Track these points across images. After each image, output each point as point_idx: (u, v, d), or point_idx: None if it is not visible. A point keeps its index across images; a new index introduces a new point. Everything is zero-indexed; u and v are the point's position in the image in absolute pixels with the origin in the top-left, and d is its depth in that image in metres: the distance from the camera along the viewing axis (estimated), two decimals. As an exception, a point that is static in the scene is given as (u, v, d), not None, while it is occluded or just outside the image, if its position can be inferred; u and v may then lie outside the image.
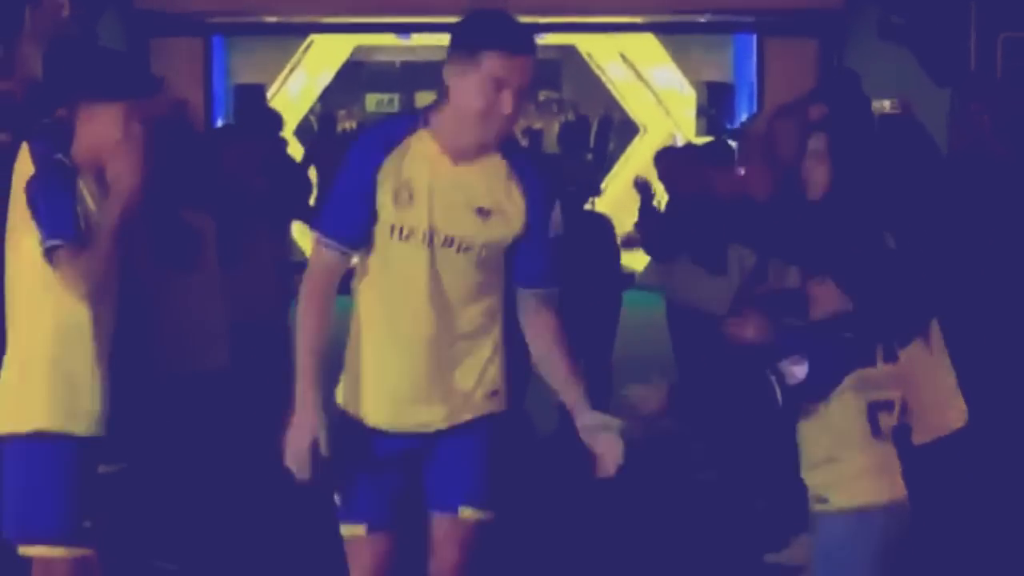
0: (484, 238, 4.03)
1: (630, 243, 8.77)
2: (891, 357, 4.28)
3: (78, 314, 4.72)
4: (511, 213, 4.04)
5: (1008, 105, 10.39)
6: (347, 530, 4.17)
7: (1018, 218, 7.74)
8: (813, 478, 4.23)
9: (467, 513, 4.15)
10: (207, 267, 6.70)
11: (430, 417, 4.09)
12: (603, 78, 20.49)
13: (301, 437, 3.94)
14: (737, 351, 4.79)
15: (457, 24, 3.99)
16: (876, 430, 4.18)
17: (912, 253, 4.69)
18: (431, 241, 4.00)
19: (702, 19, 15.63)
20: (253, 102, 14.64)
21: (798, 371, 4.09)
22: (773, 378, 4.10)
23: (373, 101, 29.37)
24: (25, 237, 4.71)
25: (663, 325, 8.62)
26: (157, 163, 5.17)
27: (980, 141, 8.72)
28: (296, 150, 14.20)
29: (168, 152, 6.23)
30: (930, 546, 4.70)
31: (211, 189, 6.78)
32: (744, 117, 15.52)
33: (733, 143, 9.37)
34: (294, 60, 17.76)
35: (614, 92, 20.87)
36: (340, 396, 4.21)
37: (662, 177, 8.39)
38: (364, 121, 27.68)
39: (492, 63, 3.84)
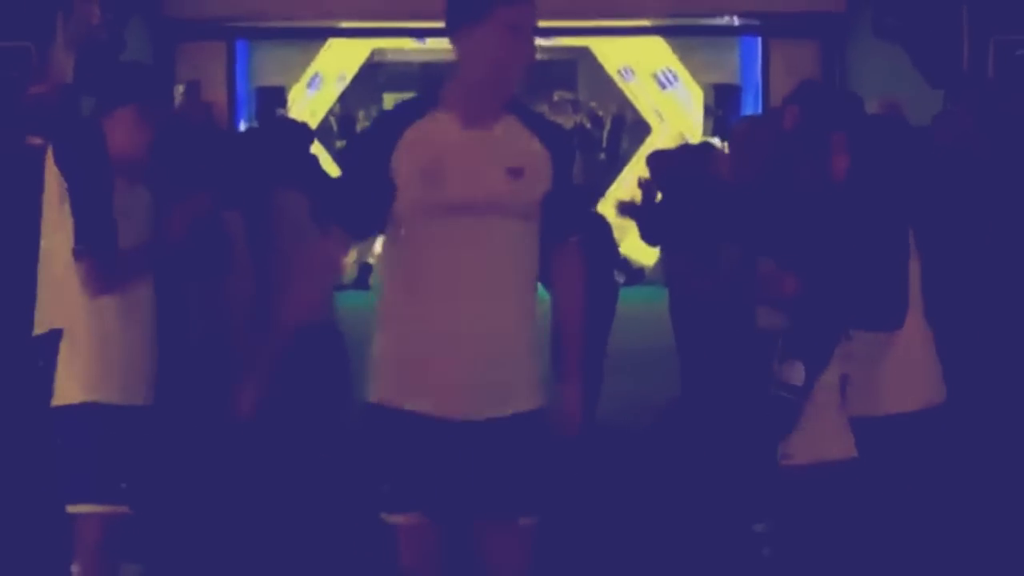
0: (521, 198, 4.01)
1: (624, 210, 9.14)
2: (847, 336, 4.75)
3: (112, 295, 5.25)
4: (540, 167, 4.03)
5: (993, 107, 10.73)
6: (398, 519, 4.09)
7: (996, 217, 8.11)
8: (793, 440, 4.69)
9: (525, 522, 4.10)
10: (240, 266, 7.02)
11: (476, 404, 4.01)
12: (616, 79, 20.74)
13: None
14: (735, 340, 5.21)
15: None
16: (844, 399, 4.66)
17: (890, 245, 5.08)
18: (470, 211, 3.95)
19: (714, 22, 15.98)
20: (275, 107, 15.01)
21: (796, 374, 4.56)
22: (783, 394, 4.58)
23: (391, 101, 29.67)
24: (58, 231, 5.26)
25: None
26: (189, 164, 5.70)
27: (962, 142, 9.09)
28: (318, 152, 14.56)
29: (199, 153, 6.68)
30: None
31: (242, 190, 7.13)
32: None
33: (721, 143, 9.77)
34: (314, 63, 18.00)
35: (627, 93, 21.13)
36: (376, 392, 4.12)
37: (653, 176, 8.83)
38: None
39: (506, 12, 3.89)
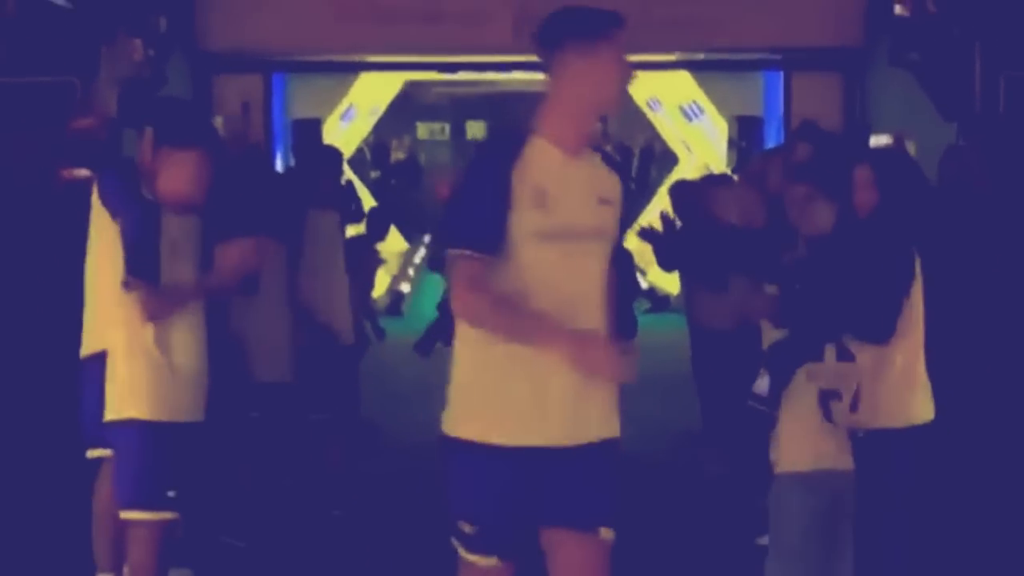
0: (609, 226, 4.11)
1: (643, 235, 9.37)
2: (845, 356, 5.10)
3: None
4: (617, 199, 4.15)
5: (1000, 141, 11.04)
6: (478, 560, 4.11)
7: (995, 250, 8.41)
8: (773, 449, 5.08)
9: (606, 534, 4.13)
10: (275, 288, 7.47)
11: (560, 432, 4.04)
12: (645, 111, 21.01)
13: (596, 346, 3.97)
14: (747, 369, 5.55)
15: (561, 21, 4.04)
16: (827, 413, 5.01)
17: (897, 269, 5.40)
18: (574, 237, 4.01)
19: (738, 56, 16.18)
20: (312, 137, 15.32)
21: (763, 385, 4.95)
22: (752, 403, 4.97)
23: (425, 130, 30.00)
24: (103, 260, 5.67)
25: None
26: (232, 194, 6.11)
27: (967, 175, 9.42)
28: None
29: (243, 185, 7.09)
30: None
31: (284, 220, 7.47)
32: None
33: (736, 176, 10.08)
34: (348, 95, 18.27)
35: (655, 124, 21.43)
36: (458, 427, 4.12)
37: (674, 207, 9.21)
38: (416, 149, 28.33)
39: (618, 37, 4.00)
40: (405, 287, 19.05)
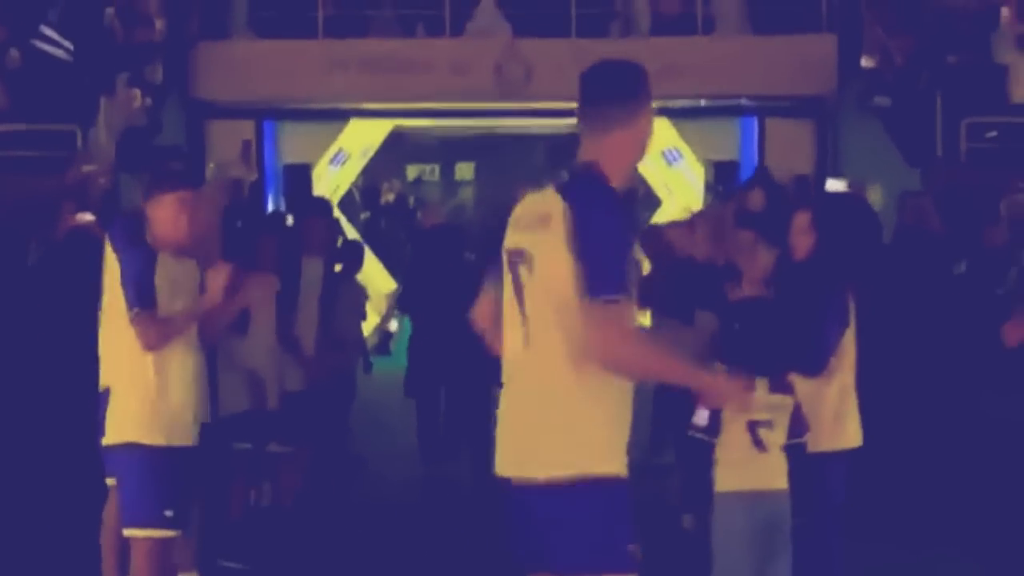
0: None
1: None
2: (779, 389, 5.60)
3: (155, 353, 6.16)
4: None
5: (961, 187, 11.57)
6: None
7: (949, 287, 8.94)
8: (715, 472, 5.58)
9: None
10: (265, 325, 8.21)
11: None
12: None
13: (730, 382, 4.61)
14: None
15: (624, 75, 4.27)
16: (756, 440, 5.51)
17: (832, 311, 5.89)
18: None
19: (715, 103, 16.72)
20: (302, 183, 15.89)
21: (701, 418, 5.47)
22: (693, 433, 5.48)
23: (414, 171, 30.40)
24: (112, 297, 6.19)
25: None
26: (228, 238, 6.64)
27: (922, 220, 9.96)
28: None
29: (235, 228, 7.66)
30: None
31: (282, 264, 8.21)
32: None
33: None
34: (337, 140, 18.67)
35: (639, 168, 21.92)
36: (604, 464, 4.15)
37: (644, 248, 9.71)
38: (404, 192, 28.76)
39: (651, 108, 4.29)
40: (393, 326, 19.42)
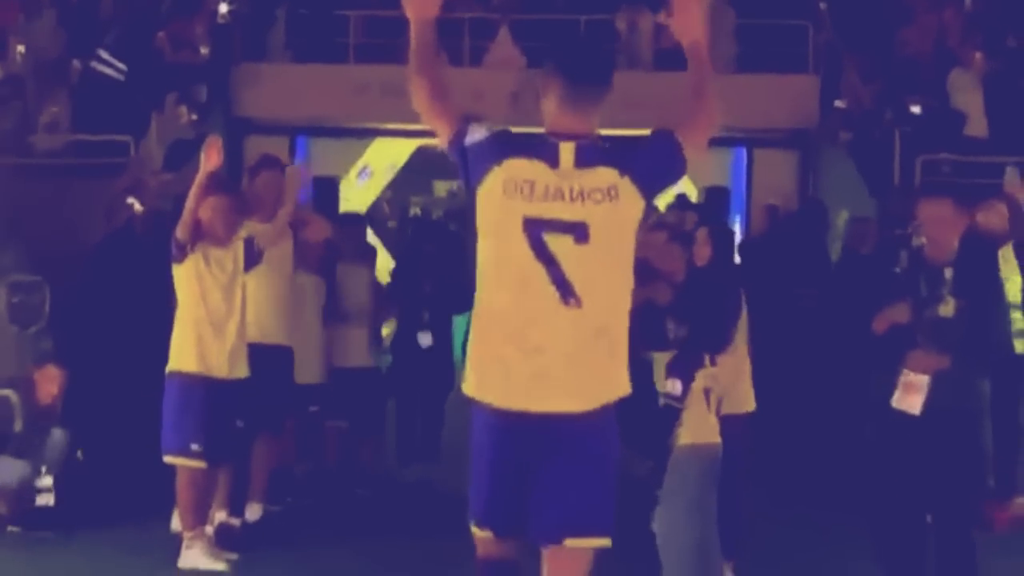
0: None
1: None
2: (713, 363, 7.09)
3: (201, 298, 7.68)
4: None
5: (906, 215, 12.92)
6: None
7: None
8: (679, 431, 6.94)
9: None
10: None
11: None
12: None
13: None
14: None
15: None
16: (708, 403, 6.98)
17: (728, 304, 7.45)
18: None
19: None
20: (330, 194, 16.95)
21: (675, 387, 6.92)
22: (668, 401, 6.94)
23: (442, 188, 31.64)
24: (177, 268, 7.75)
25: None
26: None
27: (860, 242, 11.44)
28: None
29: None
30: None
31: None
32: (737, 217, 18.07)
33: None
34: (364, 156, 20.06)
35: None
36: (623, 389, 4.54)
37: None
38: (429, 206, 30.03)
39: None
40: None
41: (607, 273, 4.41)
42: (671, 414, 6.93)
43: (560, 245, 4.35)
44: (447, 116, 4.57)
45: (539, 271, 4.35)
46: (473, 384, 4.47)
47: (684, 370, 6.97)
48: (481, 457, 4.46)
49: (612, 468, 4.47)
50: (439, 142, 4.63)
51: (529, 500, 4.38)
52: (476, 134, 4.50)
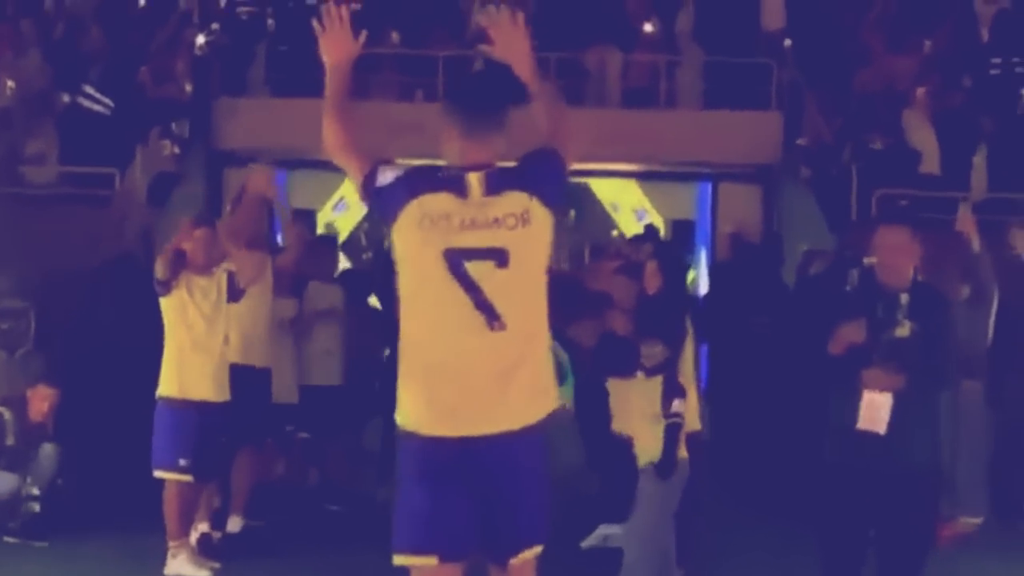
0: None
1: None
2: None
3: (187, 326, 8.11)
4: None
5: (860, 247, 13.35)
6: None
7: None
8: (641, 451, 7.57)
9: None
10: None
11: None
12: (609, 210, 23.11)
13: None
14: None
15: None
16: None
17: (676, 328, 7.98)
18: None
19: (676, 170, 18.19)
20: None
21: (680, 405, 7.52)
22: (673, 419, 7.48)
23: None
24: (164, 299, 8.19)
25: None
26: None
27: (809, 272, 11.93)
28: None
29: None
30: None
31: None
32: (702, 248, 18.53)
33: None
34: (340, 189, 20.11)
35: (618, 223, 23.61)
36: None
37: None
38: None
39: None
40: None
41: (527, 294, 4.58)
42: (677, 430, 7.54)
43: (481, 271, 4.50)
44: (359, 160, 4.80)
45: (462, 299, 4.49)
46: (406, 415, 4.57)
47: (679, 388, 7.57)
48: (417, 485, 4.53)
49: (547, 479, 4.67)
50: (352, 184, 4.86)
51: (472, 522, 4.50)
52: (386, 176, 4.70)
